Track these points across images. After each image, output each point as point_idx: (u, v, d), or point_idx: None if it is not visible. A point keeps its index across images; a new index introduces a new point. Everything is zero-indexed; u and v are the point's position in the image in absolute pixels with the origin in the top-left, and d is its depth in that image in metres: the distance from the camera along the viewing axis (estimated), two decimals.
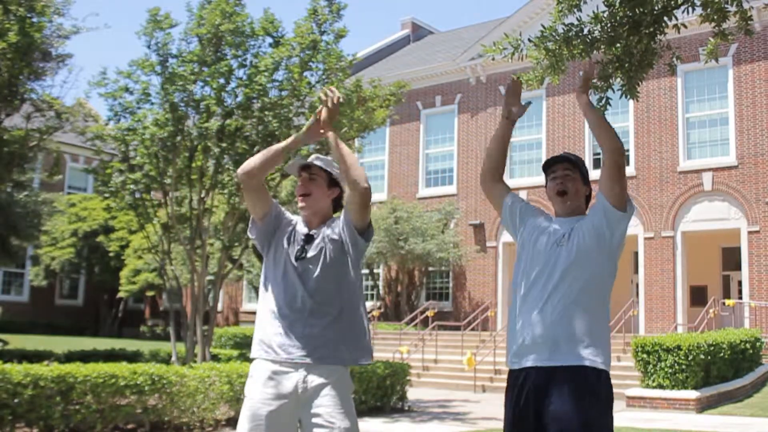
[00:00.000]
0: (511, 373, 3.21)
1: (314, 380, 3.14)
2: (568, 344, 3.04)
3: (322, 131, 3.31)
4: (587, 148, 23.55)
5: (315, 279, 3.26)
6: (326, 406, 3.09)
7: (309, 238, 3.35)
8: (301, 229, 3.42)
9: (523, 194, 24.02)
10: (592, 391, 3.00)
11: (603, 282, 3.17)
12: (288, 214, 3.48)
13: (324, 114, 3.28)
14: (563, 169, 3.30)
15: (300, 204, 3.41)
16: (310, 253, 3.30)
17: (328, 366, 3.18)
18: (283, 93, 12.77)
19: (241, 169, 3.30)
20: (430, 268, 25.78)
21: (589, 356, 3.04)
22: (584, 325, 3.06)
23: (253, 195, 3.36)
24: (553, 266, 3.13)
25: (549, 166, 3.35)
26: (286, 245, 3.36)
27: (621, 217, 3.19)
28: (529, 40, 5.33)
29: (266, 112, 12.44)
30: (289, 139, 3.35)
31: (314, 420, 3.08)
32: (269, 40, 12.98)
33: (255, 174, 3.29)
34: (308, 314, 3.21)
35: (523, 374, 3.11)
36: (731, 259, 22.63)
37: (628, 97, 5.52)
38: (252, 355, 3.31)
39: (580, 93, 3.31)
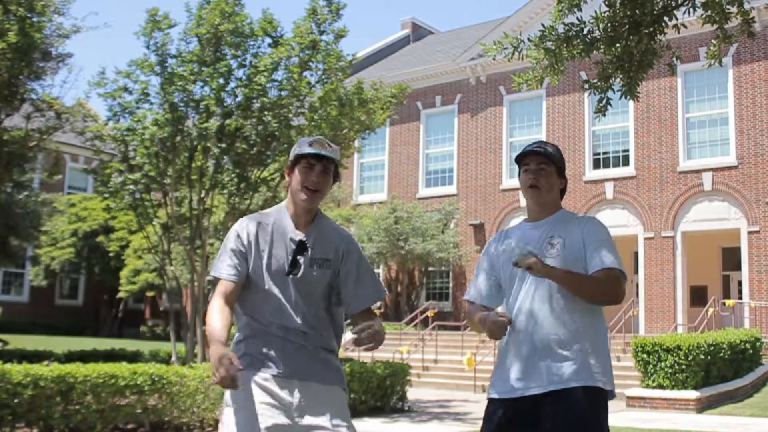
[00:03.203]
0: (514, 401, 3.02)
1: (312, 393, 2.94)
2: (580, 364, 2.97)
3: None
4: (587, 148, 23.54)
5: (310, 297, 2.99)
6: (326, 414, 2.92)
7: (301, 246, 2.99)
8: (285, 225, 3.03)
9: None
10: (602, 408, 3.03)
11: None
12: (250, 223, 3.05)
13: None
14: (537, 162, 3.15)
15: (306, 197, 2.98)
16: (305, 269, 2.98)
17: (325, 383, 2.99)
18: (283, 93, 12.77)
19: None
20: (430, 268, 25.77)
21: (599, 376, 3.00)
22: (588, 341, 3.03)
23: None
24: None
25: (522, 158, 3.19)
26: (266, 254, 2.98)
27: None
28: (529, 39, 5.33)
29: (266, 112, 12.44)
30: None
31: (315, 427, 2.90)
32: (268, 40, 12.98)
33: None
34: (304, 334, 2.96)
35: (531, 401, 2.98)
36: (731, 259, 22.62)
37: (628, 97, 5.51)
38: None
39: (550, 271, 2.95)
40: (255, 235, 3.00)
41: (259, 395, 2.88)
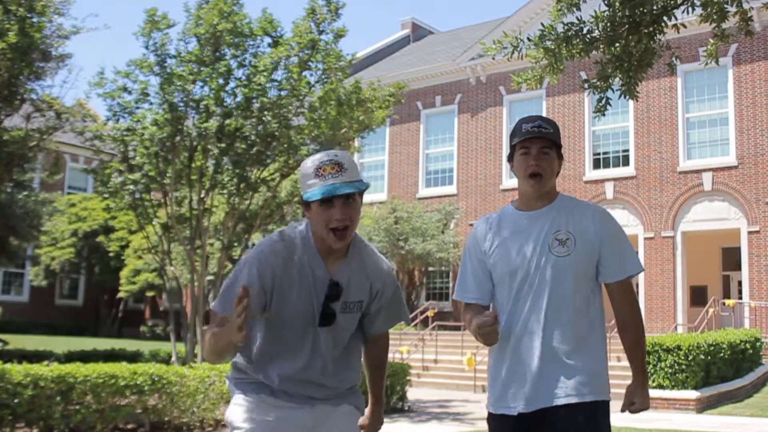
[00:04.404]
0: (520, 416, 2.76)
1: (325, 415, 2.68)
2: (588, 375, 2.76)
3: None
4: (587, 148, 23.53)
5: (336, 342, 2.65)
6: (342, 426, 2.72)
7: (335, 291, 2.55)
8: (312, 261, 2.55)
9: None
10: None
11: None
12: (275, 259, 2.52)
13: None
14: (540, 147, 2.78)
15: (335, 240, 2.49)
16: (341, 318, 2.59)
17: (339, 404, 2.76)
18: (283, 93, 12.77)
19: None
20: (430, 268, 25.78)
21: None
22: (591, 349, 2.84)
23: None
24: (556, 275, 2.75)
25: (521, 140, 2.81)
26: (289, 299, 2.54)
27: None
28: (528, 39, 5.33)
29: (265, 112, 12.45)
30: None
31: None
32: (268, 39, 12.99)
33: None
34: (322, 384, 2.65)
35: (535, 415, 2.75)
36: (731, 259, 22.62)
37: (628, 96, 5.52)
38: (242, 390, 2.63)
39: (645, 388, 2.90)
40: (280, 277, 2.51)
41: (268, 421, 2.56)
